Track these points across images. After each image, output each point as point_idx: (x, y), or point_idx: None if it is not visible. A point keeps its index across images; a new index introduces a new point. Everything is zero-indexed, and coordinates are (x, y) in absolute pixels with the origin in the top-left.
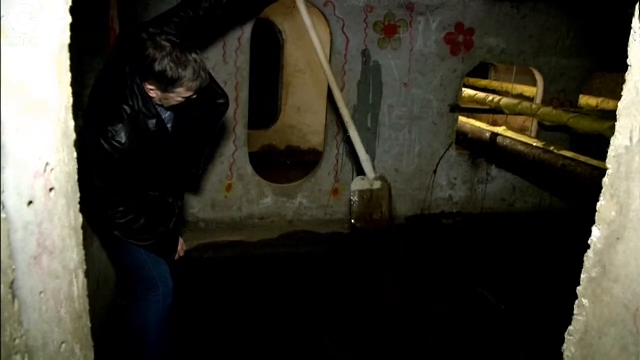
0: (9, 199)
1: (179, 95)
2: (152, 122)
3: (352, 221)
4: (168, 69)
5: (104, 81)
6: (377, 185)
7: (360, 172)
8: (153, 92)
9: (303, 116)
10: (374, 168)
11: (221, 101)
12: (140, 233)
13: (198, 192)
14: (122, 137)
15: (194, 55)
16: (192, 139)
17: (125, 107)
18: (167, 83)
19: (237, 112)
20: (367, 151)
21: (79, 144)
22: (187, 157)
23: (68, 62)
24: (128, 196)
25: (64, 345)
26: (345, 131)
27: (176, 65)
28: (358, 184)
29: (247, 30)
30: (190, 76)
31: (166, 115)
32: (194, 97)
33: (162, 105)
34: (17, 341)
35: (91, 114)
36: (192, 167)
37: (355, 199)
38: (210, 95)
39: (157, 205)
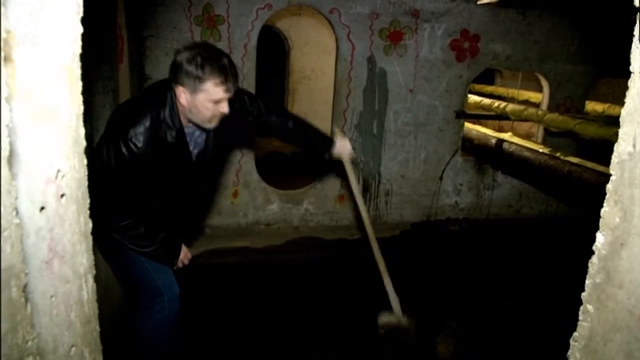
0: (22, 205)
1: (208, 98)
2: (171, 134)
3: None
4: (195, 66)
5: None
6: (404, 322)
7: (365, 183)
8: (184, 96)
9: None
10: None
11: (252, 109)
12: (138, 239)
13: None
14: (140, 141)
15: (224, 58)
16: (207, 167)
17: (152, 113)
18: (194, 79)
19: None
20: (373, 156)
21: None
22: (195, 181)
23: (79, 71)
24: (129, 201)
25: (73, 349)
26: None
27: (203, 61)
28: (385, 318)
29: (253, 37)
30: (217, 73)
31: (198, 140)
32: (226, 109)
33: (203, 129)
34: (30, 343)
35: (117, 116)
36: (196, 196)
37: (381, 331)
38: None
39: (156, 217)
